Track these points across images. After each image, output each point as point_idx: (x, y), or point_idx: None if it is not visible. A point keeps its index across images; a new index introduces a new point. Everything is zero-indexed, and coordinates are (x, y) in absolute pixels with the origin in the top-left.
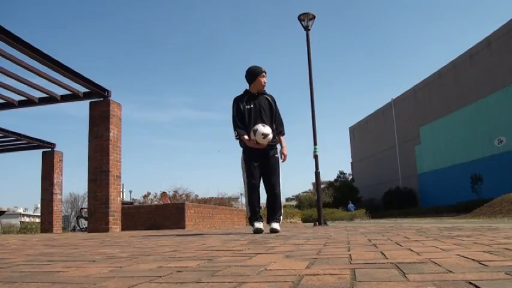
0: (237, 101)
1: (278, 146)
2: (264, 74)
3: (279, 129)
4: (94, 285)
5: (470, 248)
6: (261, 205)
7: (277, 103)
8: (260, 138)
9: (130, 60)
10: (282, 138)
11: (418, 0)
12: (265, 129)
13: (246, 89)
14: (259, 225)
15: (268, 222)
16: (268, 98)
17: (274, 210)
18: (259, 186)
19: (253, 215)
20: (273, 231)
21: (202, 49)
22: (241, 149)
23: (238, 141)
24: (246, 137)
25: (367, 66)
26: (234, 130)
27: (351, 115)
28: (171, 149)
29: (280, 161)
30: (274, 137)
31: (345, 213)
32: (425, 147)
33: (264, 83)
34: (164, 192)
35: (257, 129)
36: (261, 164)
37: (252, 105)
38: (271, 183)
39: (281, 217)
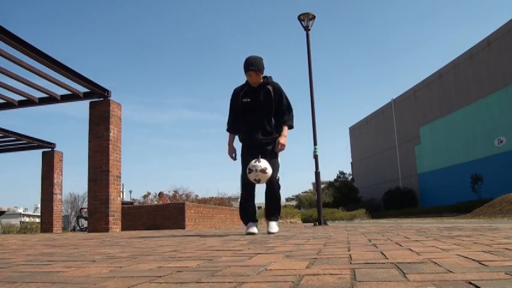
0: (235, 93)
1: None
2: (250, 73)
3: (282, 119)
4: (94, 285)
5: (470, 248)
6: (256, 205)
7: (282, 91)
8: (261, 175)
9: (130, 61)
10: (285, 128)
11: (419, 1)
12: (261, 164)
13: (247, 80)
14: (252, 229)
15: (267, 217)
16: (270, 88)
17: (271, 205)
18: (254, 184)
19: (245, 217)
20: (270, 233)
21: (202, 50)
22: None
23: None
24: (228, 147)
25: (367, 66)
26: (227, 124)
27: (351, 115)
28: (171, 149)
29: (276, 149)
30: (273, 133)
31: (344, 213)
32: (425, 147)
33: (252, 82)
34: (161, 193)
35: (254, 169)
36: (257, 154)
37: (249, 99)
38: (270, 179)
39: (276, 221)
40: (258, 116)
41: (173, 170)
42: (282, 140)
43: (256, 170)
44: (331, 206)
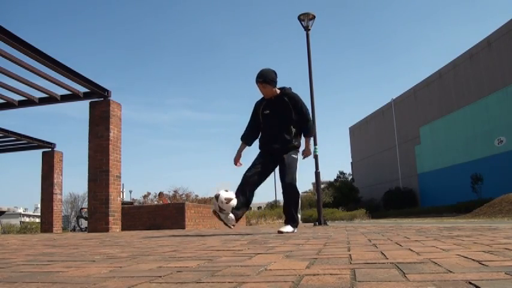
0: (255, 106)
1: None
2: (258, 85)
3: (302, 132)
4: (94, 285)
5: (470, 248)
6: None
7: (299, 100)
8: (224, 205)
9: (130, 61)
10: (307, 140)
11: (419, 1)
12: (227, 194)
13: None
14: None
15: (284, 221)
16: (286, 99)
17: (286, 211)
18: (253, 182)
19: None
20: (280, 232)
21: (202, 50)
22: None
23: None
24: (236, 154)
25: (367, 66)
26: (243, 132)
27: (351, 115)
28: (171, 149)
29: (301, 157)
30: (291, 141)
31: (344, 213)
32: (425, 147)
33: (263, 94)
34: (161, 193)
35: (219, 195)
36: (270, 163)
37: (268, 111)
38: (285, 181)
39: (295, 223)
40: (277, 127)
41: (173, 170)
42: (307, 151)
43: (221, 202)
44: (331, 206)
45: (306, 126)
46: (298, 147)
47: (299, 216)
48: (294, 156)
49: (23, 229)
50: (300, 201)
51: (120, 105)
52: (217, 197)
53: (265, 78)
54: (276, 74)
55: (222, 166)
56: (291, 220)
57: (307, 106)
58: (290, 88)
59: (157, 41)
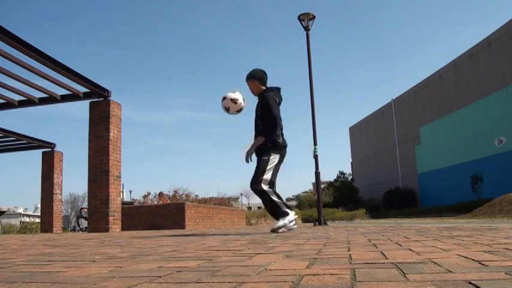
0: None
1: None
2: (247, 83)
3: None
4: (94, 285)
5: (470, 248)
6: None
7: (267, 99)
8: (231, 104)
9: (130, 61)
10: (259, 137)
11: (419, 1)
12: (234, 95)
13: None
14: (291, 216)
15: None
16: (261, 97)
17: (269, 211)
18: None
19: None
20: (272, 231)
21: (202, 50)
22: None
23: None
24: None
25: (367, 66)
26: None
27: (351, 115)
28: (171, 149)
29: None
30: (264, 142)
31: (344, 213)
32: (425, 147)
33: (251, 91)
34: (161, 193)
35: (226, 97)
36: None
37: (255, 109)
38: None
39: (280, 218)
40: (256, 126)
41: (173, 170)
42: (247, 151)
43: (226, 98)
44: (331, 206)
45: (264, 126)
46: (270, 148)
47: (285, 208)
48: (264, 158)
49: (23, 229)
50: (271, 196)
51: (120, 105)
52: (224, 98)
53: (253, 75)
54: (265, 73)
55: (222, 166)
56: (278, 215)
57: (307, 106)
58: (279, 89)
59: (157, 41)
